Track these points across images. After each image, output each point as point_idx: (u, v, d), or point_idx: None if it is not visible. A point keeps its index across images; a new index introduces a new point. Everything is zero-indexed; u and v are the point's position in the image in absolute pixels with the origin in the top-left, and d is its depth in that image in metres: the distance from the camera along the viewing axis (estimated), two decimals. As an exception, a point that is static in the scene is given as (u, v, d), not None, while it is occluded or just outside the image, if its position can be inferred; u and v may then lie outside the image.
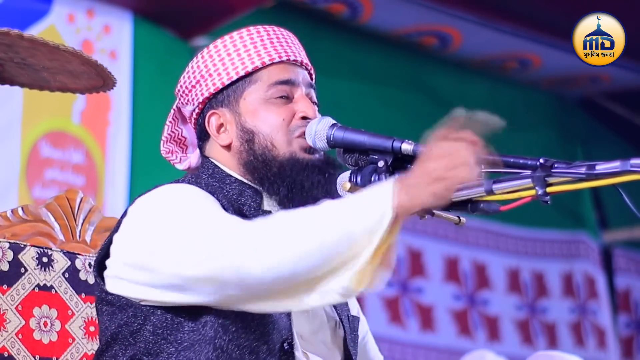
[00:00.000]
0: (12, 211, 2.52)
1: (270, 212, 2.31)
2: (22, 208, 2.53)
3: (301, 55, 2.40)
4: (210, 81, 2.36)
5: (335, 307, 2.37)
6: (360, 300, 2.64)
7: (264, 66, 2.35)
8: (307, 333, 2.29)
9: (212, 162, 2.38)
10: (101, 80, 2.75)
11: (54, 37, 4.86)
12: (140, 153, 5.07)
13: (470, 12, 5.88)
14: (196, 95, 2.38)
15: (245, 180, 2.34)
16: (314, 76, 2.44)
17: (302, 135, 2.33)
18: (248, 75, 2.35)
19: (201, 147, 2.42)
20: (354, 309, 2.50)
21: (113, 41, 5.10)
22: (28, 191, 4.74)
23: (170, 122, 2.46)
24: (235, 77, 2.35)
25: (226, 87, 2.36)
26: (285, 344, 2.21)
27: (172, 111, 2.46)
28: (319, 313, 2.34)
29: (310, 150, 2.32)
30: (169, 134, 2.46)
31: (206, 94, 2.37)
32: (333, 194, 2.29)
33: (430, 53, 6.46)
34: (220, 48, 2.37)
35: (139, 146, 5.09)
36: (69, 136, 4.93)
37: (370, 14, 5.93)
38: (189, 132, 2.47)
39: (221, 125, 2.36)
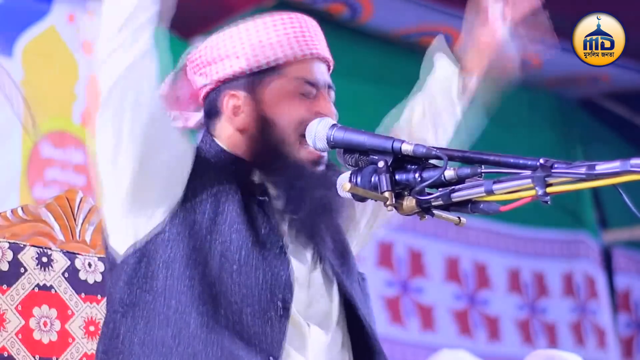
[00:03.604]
0: (11, 211, 2.52)
1: (262, 184, 2.32)
2: (22, 208, 2.53)
3: (324, 49, 2.43)
4: (235, 63, 2.35)
5: (341, 276, 2.37)
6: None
7: (292, 61, 2.36)
8: (303, 305, 2.30)
9: (209, 136, 2.38)
10: None
11: (54, 37, 4.86)
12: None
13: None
14: (214, 71, 2.37)
15: (242, 158, 2.34)
16: (331, 69, 2.45)
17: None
18: (274, 66, 2.35)
19: (208, 124, 2.41)
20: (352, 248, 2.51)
21: (113, 41, 5.09)
22: (29, 191, 4.74)
23: (172, 81, 2.45)
24: (258, 66, 2.34)
25: (249, 73, 2.35)
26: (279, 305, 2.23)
27: (177, 69, 2.45)
28: (323, 280, 2.35)
29: (317, 162, 2.33)
30: (168, 92, 2.45)
31: (226, 75, 2.36)
32: (330, 209, 2.31)
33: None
34: (252, 31, 2.37)
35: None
36: (69, 136, 4.94)
37: (370, 14, 5.93)
38: (182, 92, 2.46)
39: (237, 107, 2.36)
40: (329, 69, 2.46)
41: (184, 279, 2.20)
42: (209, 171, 2.29)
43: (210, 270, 2.20)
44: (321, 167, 2.35)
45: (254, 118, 2.35)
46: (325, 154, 2.35)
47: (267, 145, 2.33)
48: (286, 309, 2.23)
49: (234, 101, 2.36)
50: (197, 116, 2.45)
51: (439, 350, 4.12)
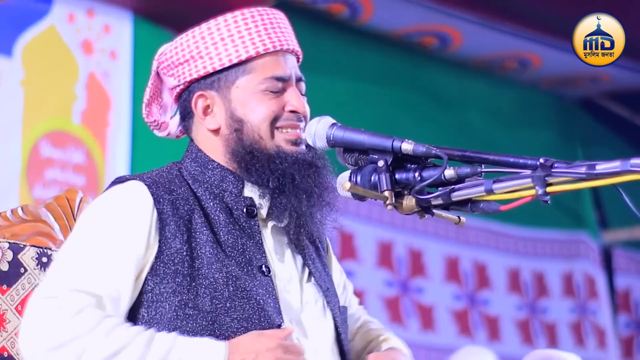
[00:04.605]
0: (11, 211, 2.51)
1: (251, 198, 2.32)
2: (22, 208, 2.52)
3: (292, 41, 2.41)
4: (200, 63, 2.35)
5: (324, 295, 2.37)
6: (360, 299, 2.65)
7: (259, 55, 2.35)
8: (296, 317, 2.30)
9: (196, 146, 2.38)
10: None
11: (54, 37, 4.86)
12: (140, 153, 5.07)
13: (470, 12, 5.88)
14: (183, 73, 2.37)
15: (228, 166, 2.34)
16: (300, 59, 2.44)
17: (288, 127, 2.33)
18: (242, 63, 2.35)
19: (186, 127, 2.42)
20: (341, 293, 2.51)
21: (113, 41, 5.10)
22: (29, 191, 4.74)
23: (151, 84, 2.45)
24: (228, 64, 2.34)
25: (217, 71, 2.35)
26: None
27: (152, 73, 2.45)
28: (308, 297, 2.35)
29: (295, 142, 2.33)
30: (150, 97, 2.45)
31: (195, 75, 2.36)
32: (321, 187, 2.30)
33: (430, 53, 6.46)
34: (214, 31, 2.36)
35: (139, 146, 5.09)
36: (69, 136, 4.93)
37: (370, 14, 5.93)
38: (164, 94, 2.47)
39: (207, 107, 2.36)
40: (298, 61, 2.43)
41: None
42: (177, 211, 2.27)
43: (203, 319, 2.20)
44: (301, 147, 2.34)
45: (226, 118, 2.35)
46: (302, 134, 2.34)
47: (242, 145, 2.32)
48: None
49: (203, 101, 2.36)
50: (177, 120, 2.45)
51: (461, 349, 4.14)
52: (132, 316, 2.23)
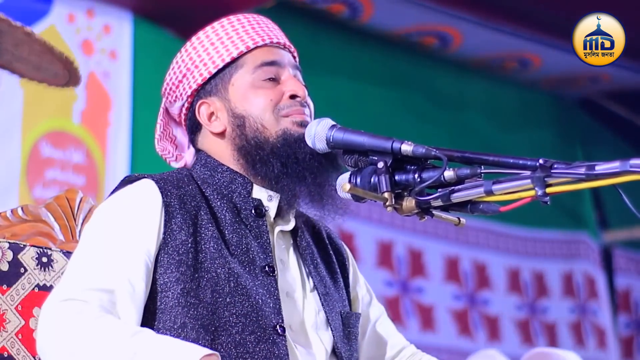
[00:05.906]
0: (11, 211, 2.51)
1: (260, 200, 2.33)
2: (22, 208, 2.53)
3: (283, 38, 2.43)
4: (197, 72, 2.38)
5: (322, 302, 2.37)
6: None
7: (249, 50, 2.37)
8: (296, 324, 2.30)
9: (205, 153, 2.40)
10: (67, 77, 2.77)
11: (54, 37, 4.86)
12: (140, 153, 5.08)
13: (470, 12, 5.89)
14: (184, 89, 2.40)
15: (237, 169, 2.35)
16: (297, 59, 2.45)
17: (293, 113, 2.34)
18: (233, 61, 2.37)
19: (194, 141, 2.43)
20: (359, 300, 2.50)
21: (113, 41, 5.10)
22: (28, 191, 4.74)
23: (161, 120, 2.48)
24: (221, 65, 2.37)
25: (213, 77, 2.38)
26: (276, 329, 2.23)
27: (161, 110, 2.48)
28: (311, 305, 2.35)
29: (301, 123, 2.33)
30: (161, 132, 2.48)
31: (194, 86, 2.38)
32: (326, 166, 2.30)
33: (430, 53, 6.47)
34: (203, 39, 2.40)
35: (139, 146, 5.09)
36: (69, 136, 4.94)
37: (370, 14, 5.94)
38: (177, 132, 2.49)
39: (212, 113, 2.38)
40: (294, 58, 2.44)
41: (178, 323, 2.20)
42: (184, 206, 2.28)
43: (204, 308, 2.20)
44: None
45: (228, 118, 2.36)
46: (308, 118, 2.35)
47: (246, 138, 2.33)
48: (283, 330, 2.24)
49: (206, 108, 2.39)
50: (192, 151, 2.47)
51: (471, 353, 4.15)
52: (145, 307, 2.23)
